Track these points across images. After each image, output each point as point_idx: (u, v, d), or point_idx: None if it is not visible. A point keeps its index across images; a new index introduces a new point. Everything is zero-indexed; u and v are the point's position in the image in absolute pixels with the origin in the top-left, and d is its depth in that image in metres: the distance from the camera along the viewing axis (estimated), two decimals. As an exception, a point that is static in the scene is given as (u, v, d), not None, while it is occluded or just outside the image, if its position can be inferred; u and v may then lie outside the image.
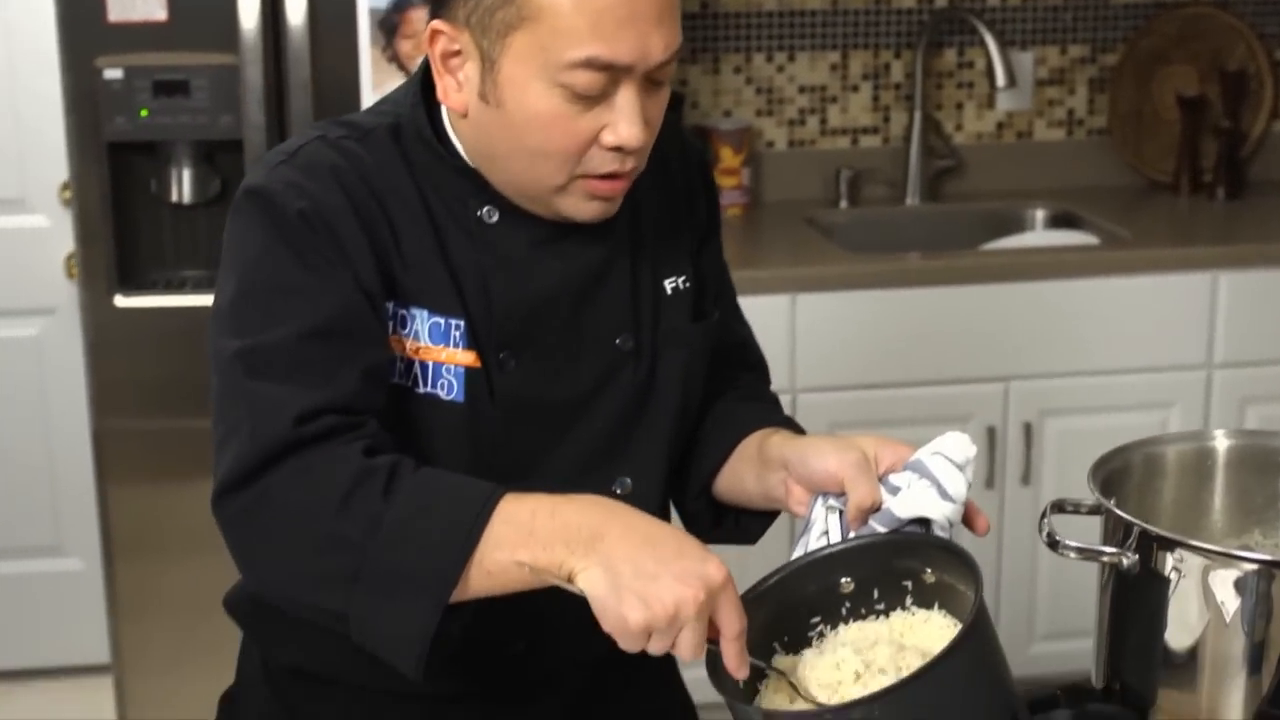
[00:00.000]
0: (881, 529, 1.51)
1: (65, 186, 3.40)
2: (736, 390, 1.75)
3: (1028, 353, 3.17)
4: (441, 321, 1.51)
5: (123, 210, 3.03)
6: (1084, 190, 3.69)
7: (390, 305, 1.50)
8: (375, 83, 2.76)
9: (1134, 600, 1.38)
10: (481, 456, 1.53)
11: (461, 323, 1.51)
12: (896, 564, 1.50)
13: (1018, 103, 3.69)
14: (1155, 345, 3.20)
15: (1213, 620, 1.32)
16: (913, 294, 3.15)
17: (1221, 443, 1.54)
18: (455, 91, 1.49)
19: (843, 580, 1.51)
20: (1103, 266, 3.19)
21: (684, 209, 1.67)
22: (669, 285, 1.64)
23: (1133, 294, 3.18)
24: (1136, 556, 1.36)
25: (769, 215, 3.60)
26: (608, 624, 1.32)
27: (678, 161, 1.68)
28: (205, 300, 2.97)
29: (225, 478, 1.40)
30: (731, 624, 1.34)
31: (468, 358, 1.51)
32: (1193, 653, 1.35)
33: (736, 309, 1.80)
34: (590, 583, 1.32)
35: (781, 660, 1.47)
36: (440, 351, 1.51)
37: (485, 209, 1.53)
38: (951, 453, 1.51)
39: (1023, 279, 3.16)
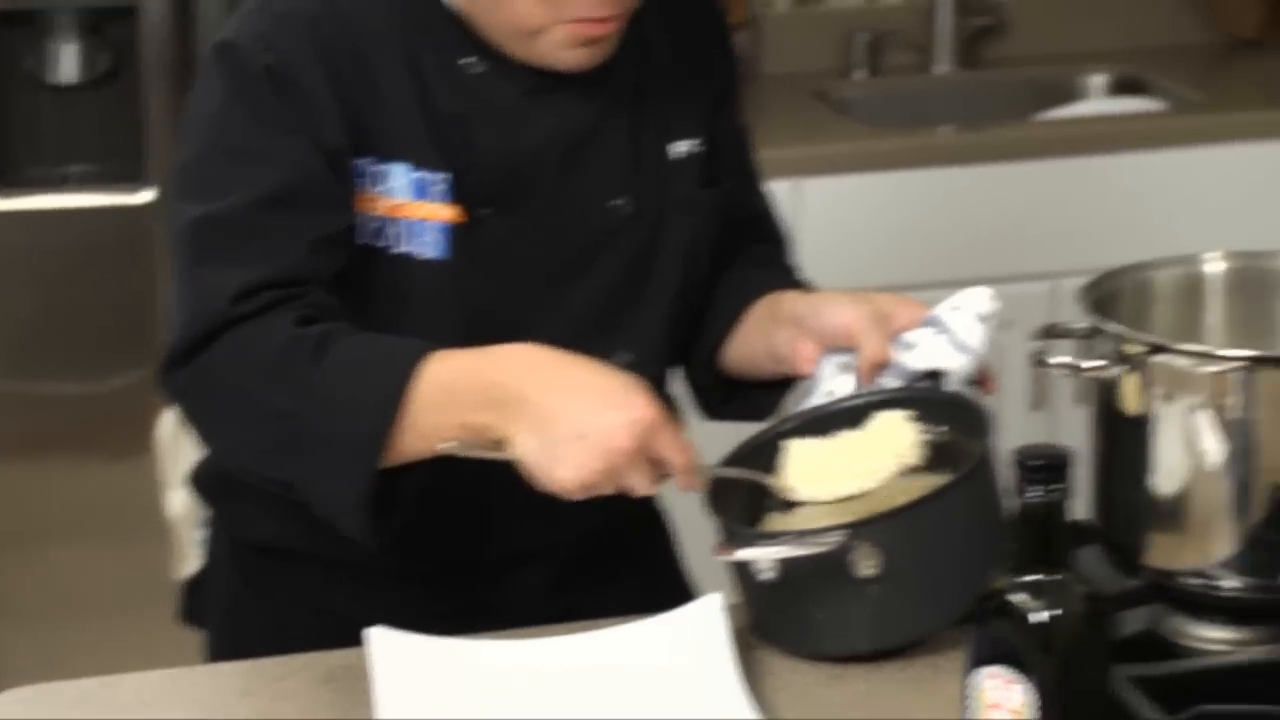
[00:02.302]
0: (894, 384, 1.83)
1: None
2: (748, 259, 2.07)
3: (1083, 244, 3.44)
4: (422, 176, 1.83)
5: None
6: (1151, 51, 3.99)
7: (363, 162, 1.82)
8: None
9: (1121, 423, 1.74)
10: (466, 322, 1.85)
11: (442, 177, 1.83)
12: None
13: (1069, -54, 4.02)
14: (1239, 230, 3.51)
15: (1196, 436, 1.68)
16: (944, 174, 3.46)
17: (1216, 265, 1.91)
18: None
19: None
20: (1174, 137, 3.51)
21: (697, 67, 1.98)
22: (676, 149, 1.95)
23: (1211, 169, 3.49)
24: (1122, 367, 1.72)
25: (771, 89, 3.87)
26: (544, 487, 1.66)
27: (693, 14, 1.99)
28: (97, 200, 3.32)
29: (168, 354, 1.79)
30: (677, 459, 1.68)
31: (449, 213, 1.83)
32: (1181, 481, 1.71)
33: (754, 179, 2.10)
34: (522, 449, 1.66)
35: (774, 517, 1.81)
36: (420, 207, 1.83)
37: (471, 58, 1.84)
38: (969, 305, 1.84)
39: (1078, 154, 3.48)
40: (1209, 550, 1.71)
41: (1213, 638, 1.74)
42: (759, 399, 2.04)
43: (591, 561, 2.00)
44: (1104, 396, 1.75)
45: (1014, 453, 1.35)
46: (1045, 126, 3.71)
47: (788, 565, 1.68)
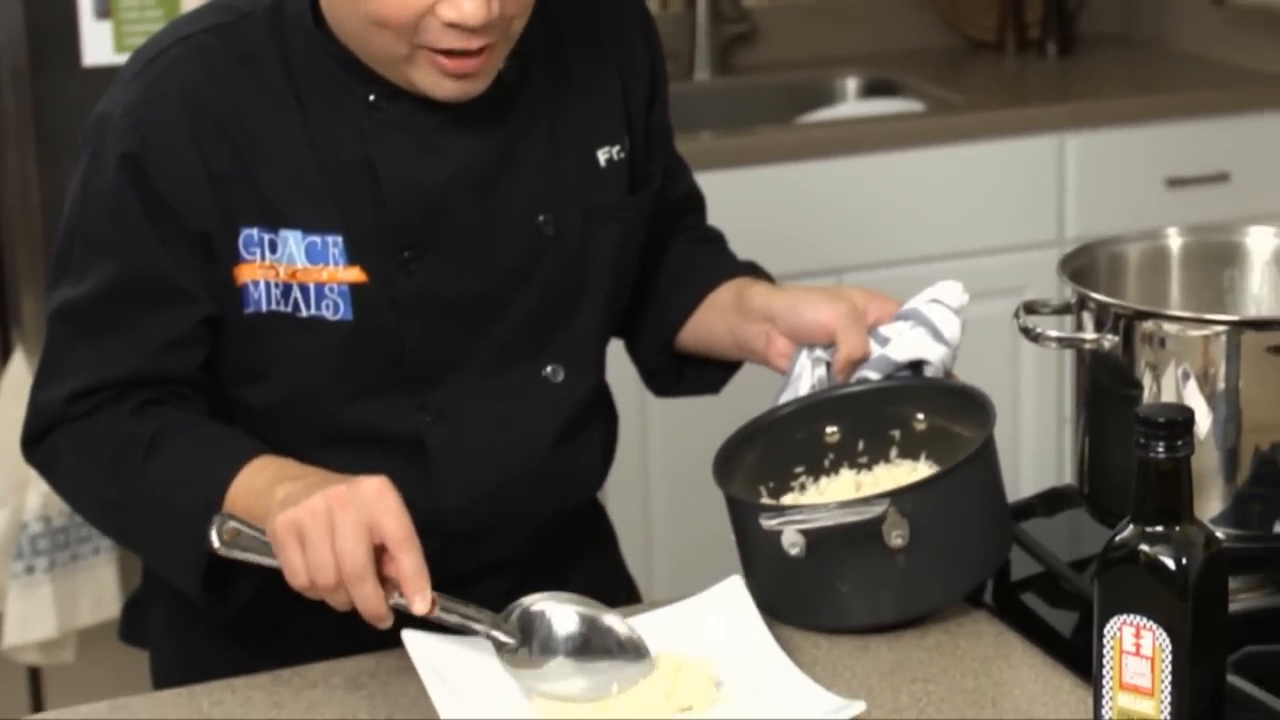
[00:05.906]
0: (875, 376, 1.94)
1: None
2: (686, 234, 2.14)
3: (855, 240, 3.63)
4: (318, 240, 1.84)
5: None
6: (898, 54, 4.21)
7: (254, 231, 1.84)
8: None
9: (1113, 386, 1.86)
10: (387, 370, 1.89)
11: (339, 238, 1.84)
12: (887, 410, 1.93)
13: (814, -46, 4.20)
14: (1000, 222, 3.71)
15: (1191, 389, 1.82)
16: (708, 179, 3.57)
17: (1175, 240, 2.04)
18: None
19: (828, 429, 1.94)
20: (934, 134, 3.69)
21: (619, 69, 2.00)
22: (602, 156, 1.97)
23: (971, 164, 3.69)
24: (1116, 338, 1.84)
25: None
26: (271, 539, 1.69)
27: (612, 17, 2.01)
28: None
29: (23, 433, 1.92)
30: (394, 530, 1.65)
31: (350, 274, 1.85)
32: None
33: (676, 155, 2.15)
34: (276, 510, 1.69)
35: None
36: (321, 271, 1.85)
37: (375, 96, 1.84)
38: (945, 297, 1.94)
39: (841, 154, 3.63)
40: (1201, 507, 1.84)
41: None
42: (711, 376, 2.13)
43: (546, 568, 2.04)
44: (1092, 365, 1.87)
45: (1139, 411, 1.45)
46: (806, 129, 3.86)
47: (816, 539, 1.75)
